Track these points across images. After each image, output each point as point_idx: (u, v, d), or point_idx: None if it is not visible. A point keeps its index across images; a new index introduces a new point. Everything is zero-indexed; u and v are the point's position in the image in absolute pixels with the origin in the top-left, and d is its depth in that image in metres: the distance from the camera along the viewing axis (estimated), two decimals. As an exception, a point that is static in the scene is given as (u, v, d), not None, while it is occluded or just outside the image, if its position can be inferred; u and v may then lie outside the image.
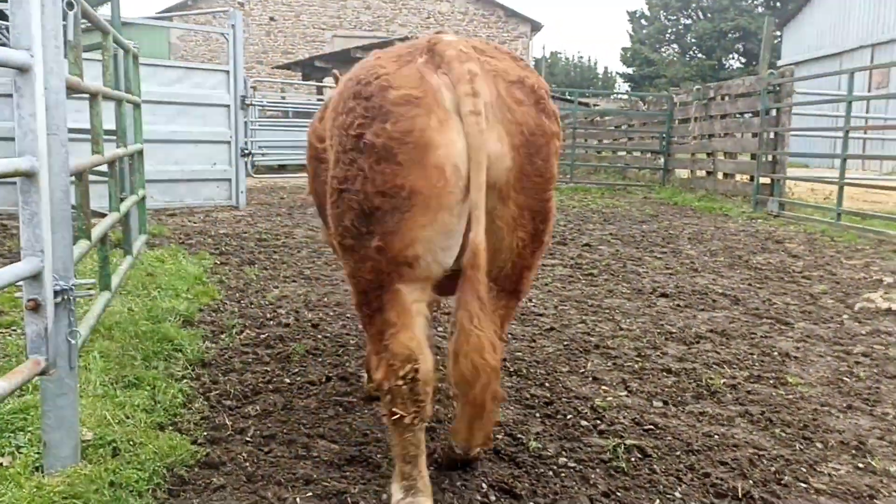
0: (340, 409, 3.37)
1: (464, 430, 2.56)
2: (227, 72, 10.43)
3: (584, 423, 3.30)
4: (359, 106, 2.29)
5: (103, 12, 6.92)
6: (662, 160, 16.54)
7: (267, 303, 5.26)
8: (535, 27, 34.55)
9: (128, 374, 3.46)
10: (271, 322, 4.80)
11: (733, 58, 53.75)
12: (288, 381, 3.70)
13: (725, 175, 13.70)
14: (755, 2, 53.49)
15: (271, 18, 33.57)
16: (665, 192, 14.97)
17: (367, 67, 2.39)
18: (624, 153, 19.51)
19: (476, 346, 2.24)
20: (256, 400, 3.43)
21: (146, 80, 9.50)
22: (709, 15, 52.79)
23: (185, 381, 3.57)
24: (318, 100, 21.91)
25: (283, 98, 22.88)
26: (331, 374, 3.81)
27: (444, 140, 2.20)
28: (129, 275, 5.37)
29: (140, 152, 5.95)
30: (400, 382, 2.31)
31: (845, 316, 5.32)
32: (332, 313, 5.02)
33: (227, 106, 10.44)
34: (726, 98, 13.70)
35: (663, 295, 5.97)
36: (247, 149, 10.70)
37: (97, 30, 4.75)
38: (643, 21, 56.49)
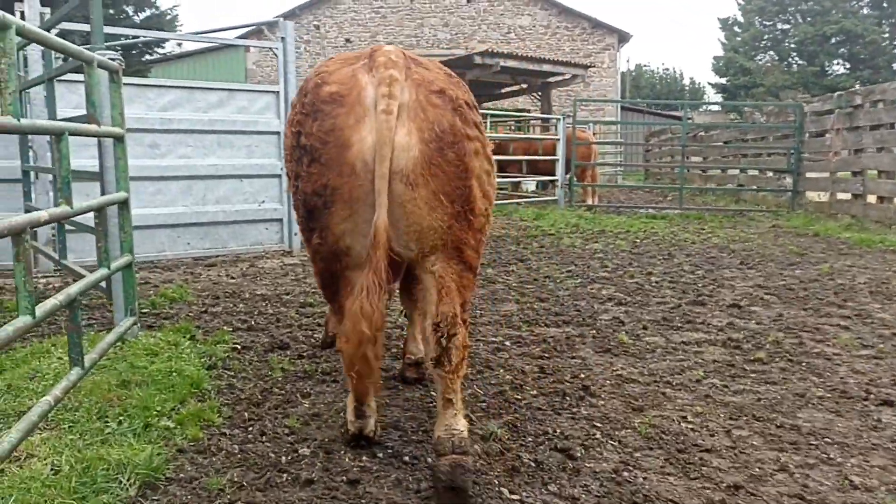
0: None
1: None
2: (277, 93, 8.81)
3: None
4: (299, 102, 2.88)
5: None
6: (790, 180, 14.07)
7: (286, 432, 3.43)
8: (623, 38, 32.28)
9: None
10: (284, 477, 2.97)
11: (838, 63, 49.98)
12: None
13: (881, 199, 11.25)
14: (860, 3, 49.67)
15: (347, 40, 32.51)
16: (797, 219, 12.58)
17: (317, 67, 2.98)
18: (737, 172, 16.98)
19: (366, 314, 2.65)
20: None
21: (180, 105, 7.95)
22: (809, 18, 49.25)
23: None
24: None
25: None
26: None
27: (356, 138, 2.64)
28: (91, 384, 3.66)
29: (124, 202, 4.24)
30: (354, 357, 2.78)
31: None
32: (388, 458, 3.15)
33: (277, 133, 8.81)
34: (880, 105, 11.26)
35: (886, 402, 3.88)
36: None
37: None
38: (736, 28, 53.32)
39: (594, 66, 28.35)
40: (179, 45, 28.16)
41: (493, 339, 5.17)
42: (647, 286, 7.05)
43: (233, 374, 4.27)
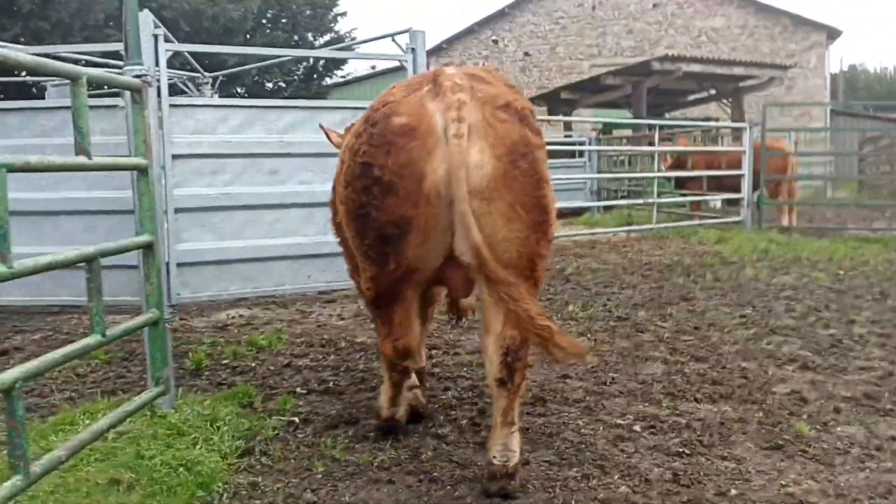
0: None
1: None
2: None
3: None
4: (366, 132, 2.90)
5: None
6: None
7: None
8: (833, 34, 28.79)
9: None
10: None
11: None
12: None
13: None
14: None
15: (526, 53, 31.69)
16: None
17: (382, 96, 3.03)
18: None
19: (523, 317, 2.74)
20: None
21: (300, 126, 7.34)
22: None
23: None
24: (566, 135, 19.15)
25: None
26: None
27: (429, 169, 2.74)
28: (63, 486, 2.91)
29: (149, 246, 3.51)
30: (399, 366, 3.37)
31: None
32: None
33: (407, 154, 8.00)
34: None
35: None
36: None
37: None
38: (975, 16, 46.50)
39: (796, 67, 25.38)
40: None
41: (619, 420, 3.95)
42: (846, 341, 5.43)
43: (268, 464, 3.40)
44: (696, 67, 16.79)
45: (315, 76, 24.93)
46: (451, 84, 2.81)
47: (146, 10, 6.98)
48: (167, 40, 8.39)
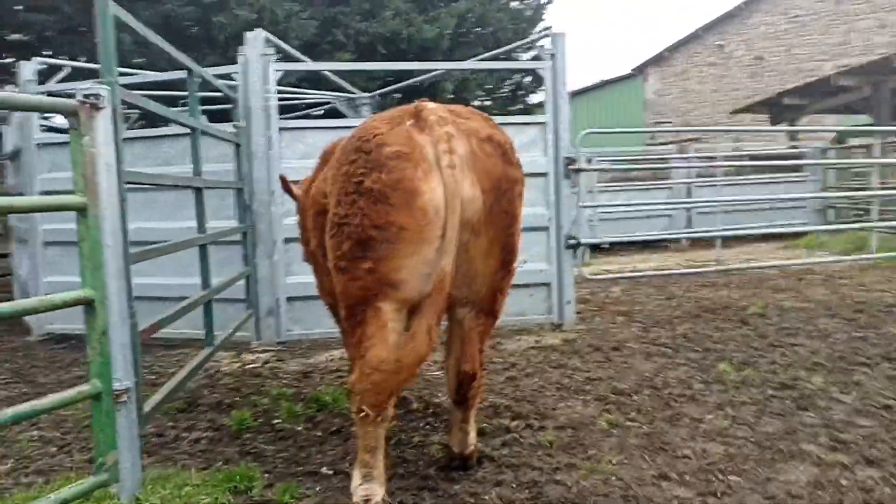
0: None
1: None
2: (543, 124, 7.00)
3: None
4: (360, 159, 2.91)
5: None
6: None
7: None
8: None
9: None
10: None
11: None
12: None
13: None
14: None
15: (758, 57, 28.78)
16: None
17: (366, 128, 3.01)
18: None
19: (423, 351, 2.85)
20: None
21: None
22: None
23: None
24: (791, 146, 16.73)
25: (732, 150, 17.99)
26: None
27: (427, 187, 2.78)
28: None
29: (88, 303, 2.93)
30: (373, 413, 2.92)
31: None
32: None
33: (544, 175, 6.98)
34: None
35: None
36: (574, 237, 7.04)
37: None
38: None
39: None
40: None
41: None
42: None
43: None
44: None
45: (521, 92, 24.27)
46: (436, 118, 2.89)
47: (259, 29, 6.67)
48: (289, 59, 8.14)
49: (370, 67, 11.06)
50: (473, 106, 16.86)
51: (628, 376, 5.17)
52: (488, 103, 23.27)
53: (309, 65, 7.93)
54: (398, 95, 15.12)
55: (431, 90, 19.06)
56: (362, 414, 2.93)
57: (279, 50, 7.27)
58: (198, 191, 4.86)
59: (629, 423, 4.20)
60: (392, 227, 2.81)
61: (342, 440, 4.12)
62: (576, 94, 32.65)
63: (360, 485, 3.03)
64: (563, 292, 7.01)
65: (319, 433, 4.25)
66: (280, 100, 7.04)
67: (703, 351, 5.84)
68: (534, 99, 26.32)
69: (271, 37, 6.66)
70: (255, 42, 6.44)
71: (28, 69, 7.15)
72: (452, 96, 20.30)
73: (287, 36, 15.58)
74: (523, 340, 6.54)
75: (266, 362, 6.03)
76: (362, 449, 3.04)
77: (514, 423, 4.25)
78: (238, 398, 4.99)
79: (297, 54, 8.04)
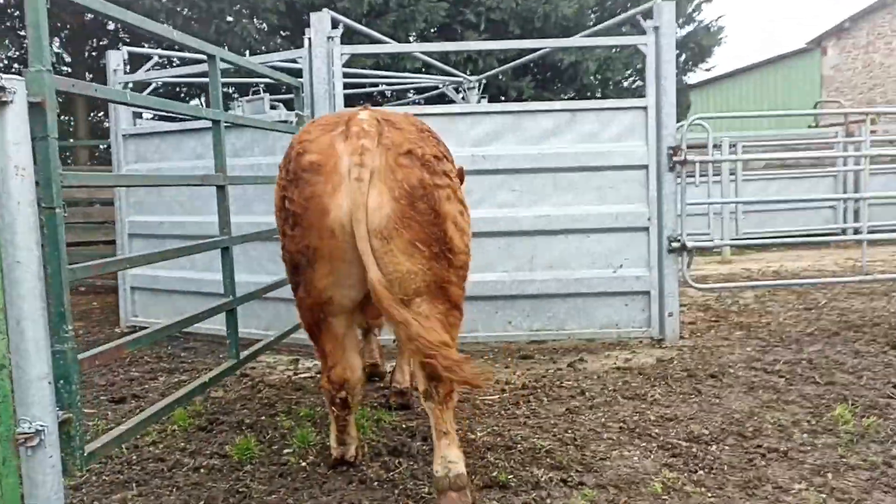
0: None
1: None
2: (644, 108, 6.05)
3: None
4: (286, 167, 3.20)
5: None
6: None
7: None
8: None
9: None
10: None
11: None
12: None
13: None
14: None
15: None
16: None
17: (303, 131, 3.29)
18: None
19: (424, 347, 2.98)
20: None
21: (499, 137, 6.05)
22: None
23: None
24: None
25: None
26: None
27: (334, 204, 2.97)
28: None
29: None
30: (337, 400, 3.48)
31: None
32: None
33: (644, 167, 6.06)
34: None
35: None
36: (678, 238, 6.03)
37: None
38: None
39: None
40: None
41: None
42: None
43: None
44: None
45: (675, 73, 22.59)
46: (358, 129, 3.06)
47: (324, 10, 6.20)
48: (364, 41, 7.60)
49: (446, 48, 10.44)
50: (618, 84, 15.55)
51: (714, 417, 4.24)
52: (639, 83, 21.76)
53: (378, 47, 7.37)
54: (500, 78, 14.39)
55: (572, 71, 18.09)
56: (332, 412, 3.55)
57: (353, 31, 6.78)
58: (220, 188, 4.45)
59: (690, 488, 3.33)
60: (309, 251, 3.08)
61: (345, 482, 3.56)
62: (743, 71, 30.24)
63: (336, 447, 3.65)
64: (664, 302, 6.07)
65: (321, 471, 3.70)
66: (368, 85, 6.54)
67: (824, 384, 4.76)
68: (692, 78, 24.53)
69: (341, 17, 6.16)
70: (321, 23, 5.97)
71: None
72: (596, 77, 19.15)
73: (415, 19, 15.22)
74: (611, 358, 5.69)
75: (319, 372, 5.59)
76: (336, 428, 3.61)
77: (548, 476, 3.49)
78: (265, 417, 4.56)
79: (374, 34, 7.50)
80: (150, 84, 8.09)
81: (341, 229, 2.96)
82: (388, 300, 2.94)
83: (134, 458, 3.95)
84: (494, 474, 3.49)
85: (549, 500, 3.27)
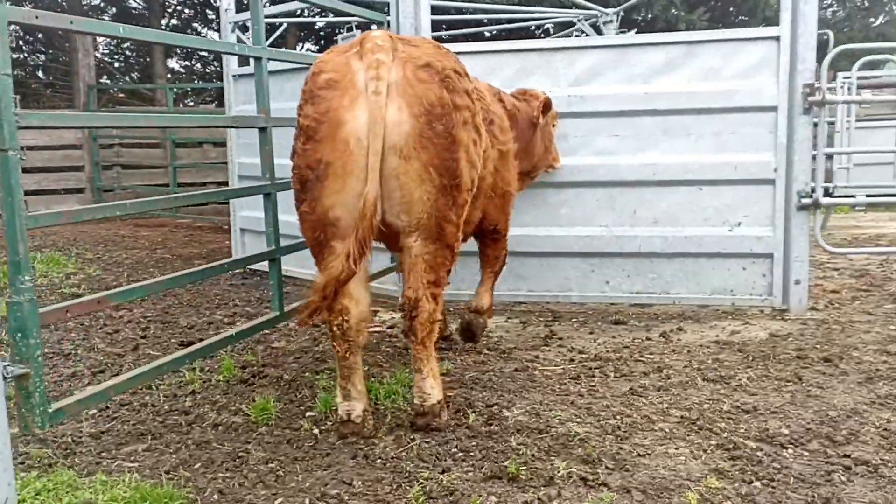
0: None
1: None
2: (776, 38, 5.12)
3: None
4: (305, 88, 3.12)
5: None
6: None
7: None
8: None
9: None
10: None
11: None
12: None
13: None
14: None
15: None
16: None
17: (321, 57, 3.20)
18: None
19: (336, 273, 2.97)
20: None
21: (602, 74, 5.47)
22: None
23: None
24: None
25: None
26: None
27: (349, 116, 2.91)
28: None
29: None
30: (335, 328, 3.21)
31: None
32: None
33: (773, 109, 5.16)
34: None
35: None
36: (812, 192, 5.07)
37: None
38: None
39: None
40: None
41: None
42: None
43: None
44: None
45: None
46: (371, 45, 3.01)
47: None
48: None
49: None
50: (707, 18, 13.61)
51: (804, 412, 3.52)
52: (745, 19, 18.81)
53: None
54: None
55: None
56: (335, 349, 3.30)
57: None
58: (262, 130, 4.25)
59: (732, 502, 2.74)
60: (320, 165, 2.97)
61: (349, 456, 3.28)
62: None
63: (341, 402, 3.39)
64: (790, 267, 5.21)
65: (331, 440, 3.44)
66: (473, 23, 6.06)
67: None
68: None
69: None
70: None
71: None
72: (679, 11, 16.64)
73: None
74: (716, 329, 4.98)
75: (390, 326, 5.36)
76: (340, 376, 3.38)
77: (567, 471, 3.01)
78: (308, 374, 4.37)
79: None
80: (279, 26, 8.08)
81: (357, 143, 2.91)
82: (370, 221, 2.91)
83: (166, 408, 3.91)
84: (506, 464, 3.06)
85: (556, 501, 2.81)
